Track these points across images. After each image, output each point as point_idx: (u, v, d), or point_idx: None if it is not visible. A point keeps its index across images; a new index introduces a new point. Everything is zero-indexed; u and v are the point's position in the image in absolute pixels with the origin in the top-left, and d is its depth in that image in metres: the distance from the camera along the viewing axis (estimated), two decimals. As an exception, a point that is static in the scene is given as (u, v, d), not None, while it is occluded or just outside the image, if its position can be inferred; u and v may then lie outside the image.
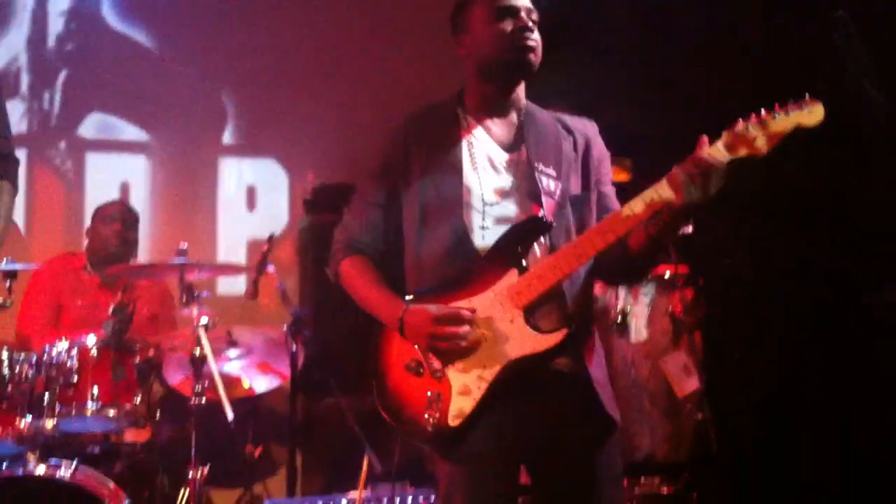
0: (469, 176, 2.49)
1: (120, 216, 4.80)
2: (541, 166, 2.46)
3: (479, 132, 2.54)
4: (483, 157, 2.52)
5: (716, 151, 2.22)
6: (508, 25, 2.47)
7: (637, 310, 4.26)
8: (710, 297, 4.42)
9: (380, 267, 2.57)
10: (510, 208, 2.47)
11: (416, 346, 2.41)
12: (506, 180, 2.49)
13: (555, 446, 2.42)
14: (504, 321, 2.36)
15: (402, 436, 2.47)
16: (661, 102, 4.65)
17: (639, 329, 4.26)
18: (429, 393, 2.37)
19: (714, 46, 4.60)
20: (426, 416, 2.36)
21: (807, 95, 2.21)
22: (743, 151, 2.21)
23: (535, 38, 2.48)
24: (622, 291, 4.25)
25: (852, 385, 4.21)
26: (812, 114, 2.19)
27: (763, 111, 2.21)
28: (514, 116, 2.56)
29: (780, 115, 2.20)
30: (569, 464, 2.42)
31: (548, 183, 2.45)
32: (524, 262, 2.38)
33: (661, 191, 2.26)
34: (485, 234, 2.45)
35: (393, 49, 5.74)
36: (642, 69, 4.86)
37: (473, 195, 2.47)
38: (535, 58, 2.48)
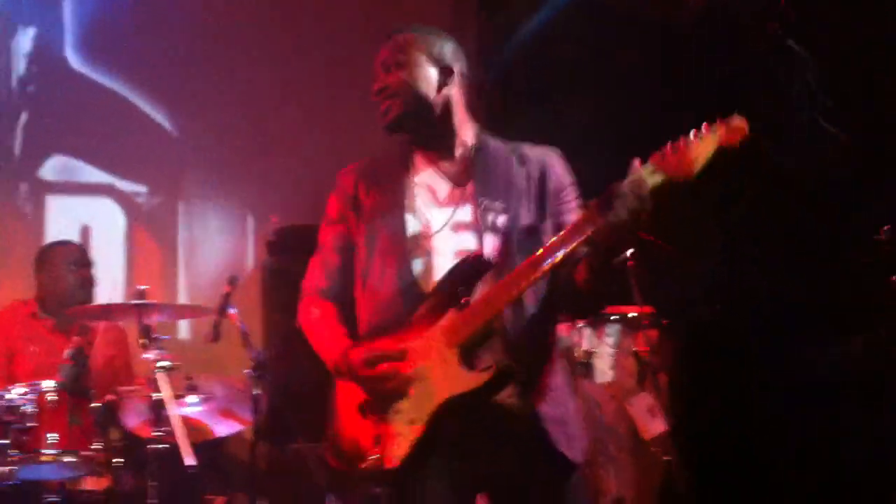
0: (411, 213, 2.50)
1: (79, 258, 4.73)
2: (486, 201, 2.45)
3: (425, 171, 2.56)
4: (427, 195, 2.52)
5: (639, 175, 2.22)
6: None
7: (601, 350, 4.25)
8: (674, 338, 4.43)
9: (343, 312, 2.56)
10: (453, 244, 2.45)
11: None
12: (448, 216, 2.48)
13: (510, 486, 2.40)
14: (438, 360, 2.34)
15: (356, 479, 2.47)
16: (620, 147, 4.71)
17: (603, 370, 4.24)
18: (373, 435, 2.38)
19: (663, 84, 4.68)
20: (370, 457, 2.37)
21: (732, 115, 2.22)
22: (667, 174, 2.21)
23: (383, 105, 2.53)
24: (587, 331, 4.24)
25: (821, 424, 4.24)
26: (733, 130, 2.19)
27: (687, 135, 2.22)
28: (462, 152, 2.55)
29: (700, 137, 2.20)
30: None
31: (493, 217, 2.44)
32: (464, 301, 2.36)
33: (583, 217, 2.28)
34: (428, 273, 2.44)
35: (356, 93, 5.75)
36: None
37: (416, 233, 2.48)
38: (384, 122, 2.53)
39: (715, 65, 4.46)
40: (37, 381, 3.83)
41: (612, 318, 4.22)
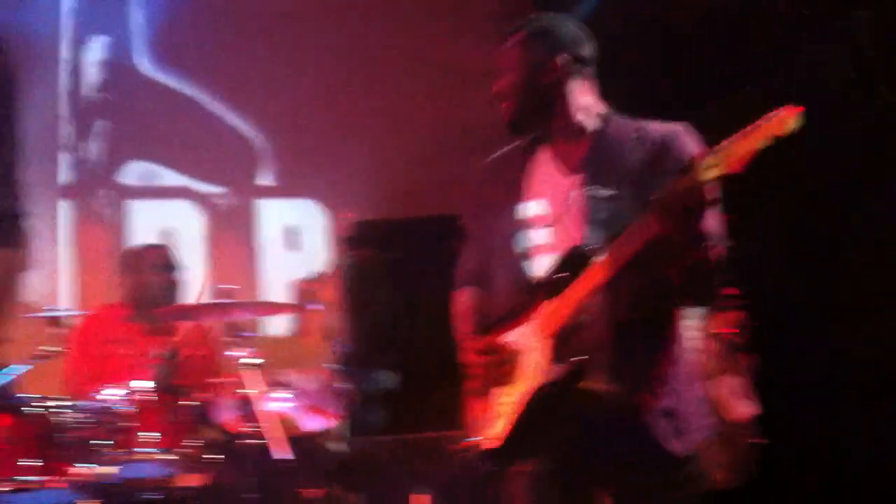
0: (527, 205, 2.53)
1: (165, 261, 4.82)
2: (593, 189, 2.45)
3: (545, 162, 2.58)
4: (543, 187, 2.54)
5: (695, 169, 2.20)
6: None
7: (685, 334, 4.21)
8: (758, 319, 4.38)
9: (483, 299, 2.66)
10: (562, 235, 2.46)
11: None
12: (561, 207, 2.49)
13: (616, 479, 2.41)
14: (535, 351, 2.40)
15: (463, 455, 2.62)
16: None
17: (688, 353, 4.21)
18: (478, 415, 2.50)
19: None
20: (473, 439, 2.49)
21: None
22: (722, 168, 2.17)
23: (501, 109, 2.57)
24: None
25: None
26: (782, 121, 2.16)
27: (738, 129, 2.20)
28: (582, 139, 2.55)
29: (752, 131, 2.17)
30: (631, 494, 2.40)
31: (599, 205, 2.43)
32: (560, 292, 2.38)
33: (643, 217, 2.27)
34: (539, 266, 2.47)
35: (429, 84, 5.78)
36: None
37: (530, 224, 2.51)
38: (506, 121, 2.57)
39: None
40: (130, 382, 3.91)
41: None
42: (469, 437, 2.52)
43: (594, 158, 2.50)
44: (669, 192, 2.22)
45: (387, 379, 4.64)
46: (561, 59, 2.53)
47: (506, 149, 2.68)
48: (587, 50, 2.58)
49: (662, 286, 2.38)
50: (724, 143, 2.19)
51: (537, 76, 2.52)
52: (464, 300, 2.68)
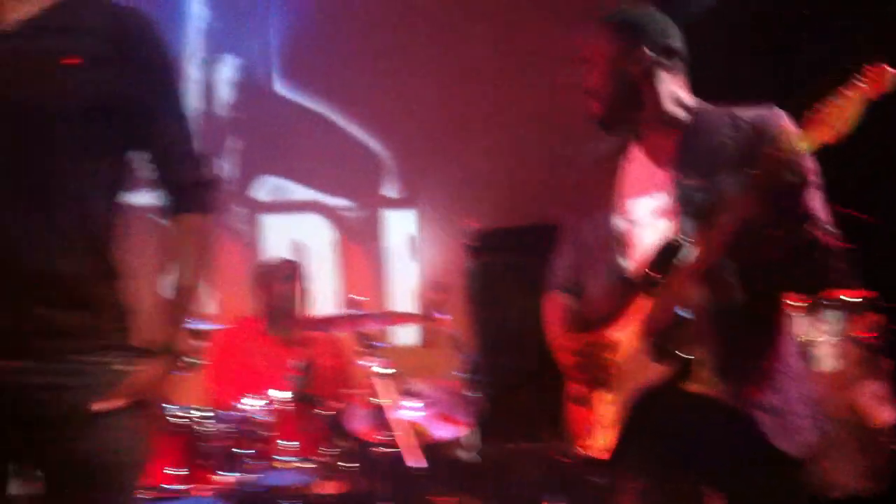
0: (620, 201, 2.49)
1: (296, 274, 4.96)
2: (684, 181, 2.38)
3: (637, 158, 2.52)
4: (634, 184, 2.49)
5: (782, 147, 2.13)
6: None
7: (821, 338, 4.11)
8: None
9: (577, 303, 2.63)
10: (654, 231, 2.41)
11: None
12: (651, 203, 2.45)
13: (725, 477, 2.34)
14: (635, 351, 2.34)
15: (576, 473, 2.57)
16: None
17: (825, 359, 4.10)
18: (581, 422, 2.45)
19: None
20: (582, 448, 2.44)
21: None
22: (818, 137, 2.10)
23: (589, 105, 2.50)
24: (804, 320, 4.10)
25: None
26: (879, 82, 2.06)
27: (831, 94, 2.11)
28: (673, 132, 2.47)
29: (845, 95, 2.08)
30: (746, 498, 2.34)
31: (691, 197, 2.35)
32: (658, 288, 2.33)
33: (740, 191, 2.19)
34: (632, 264, 2.42)
35: (550, 95, 5.77)
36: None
37: (622, 220, 2.47)
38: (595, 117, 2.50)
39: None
40: (268, 392, 4.04)
41: (829, 303, 4.07)
42: (575, 446, 2.47)
43: (687, 150, 2.42)
44: (762, 168, 2.14)
45: (516, 386, 4.66)
46: (648, 50, 2.44)
47: (598, 145, 2.62)
48: (675, 41, 2.49)
49: (766, 275, 2.28)
50: (815, 109, 2.10)
51: (625, 69, 2.44)
52: (557, 301, 2.64)
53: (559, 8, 5.69)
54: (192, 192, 2.12)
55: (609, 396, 2.39)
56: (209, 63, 6.02)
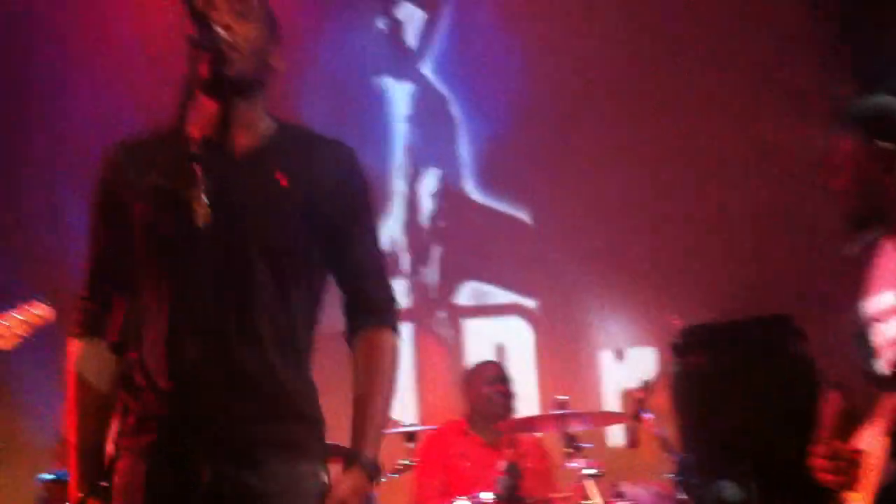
0: (875, 299, 2.47)
1: (500, 376, 5.03)
2: None
3: (889, 249, 2.50)
4: (890, 276, 2.46)
5: None
6: None
7: None
8: None
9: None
10: None
11: None
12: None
13: None
14: (876, 450, 2.33)
15: None
16: None
17: None
18: None
19: None
20: None
21: None
22: None
23: None
24: None
25: None
26: None
27: None
28: None
29: None
30: None
31: None
32: None
33: None
34: (889, 358, 2.38)
35: (745, 172, 5.69)
36: None
37: (878, 318, 2.44)
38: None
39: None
40: (476, 494, 4.07)
41: None
42: None
43: None
44: None
45: (731, 489, 4.49)
46: (893, 145, 2.41)
47: (852, 244, 2.59)
48: None
49: None
50: None
51: (878, 167, 2.41)
52: (830, 402, 2.61)
53: (760, 92, 5.59)
54: (385, 309, 2.23)
55: (854, 497, 2.37)
56: (413, 176, 6.31)
